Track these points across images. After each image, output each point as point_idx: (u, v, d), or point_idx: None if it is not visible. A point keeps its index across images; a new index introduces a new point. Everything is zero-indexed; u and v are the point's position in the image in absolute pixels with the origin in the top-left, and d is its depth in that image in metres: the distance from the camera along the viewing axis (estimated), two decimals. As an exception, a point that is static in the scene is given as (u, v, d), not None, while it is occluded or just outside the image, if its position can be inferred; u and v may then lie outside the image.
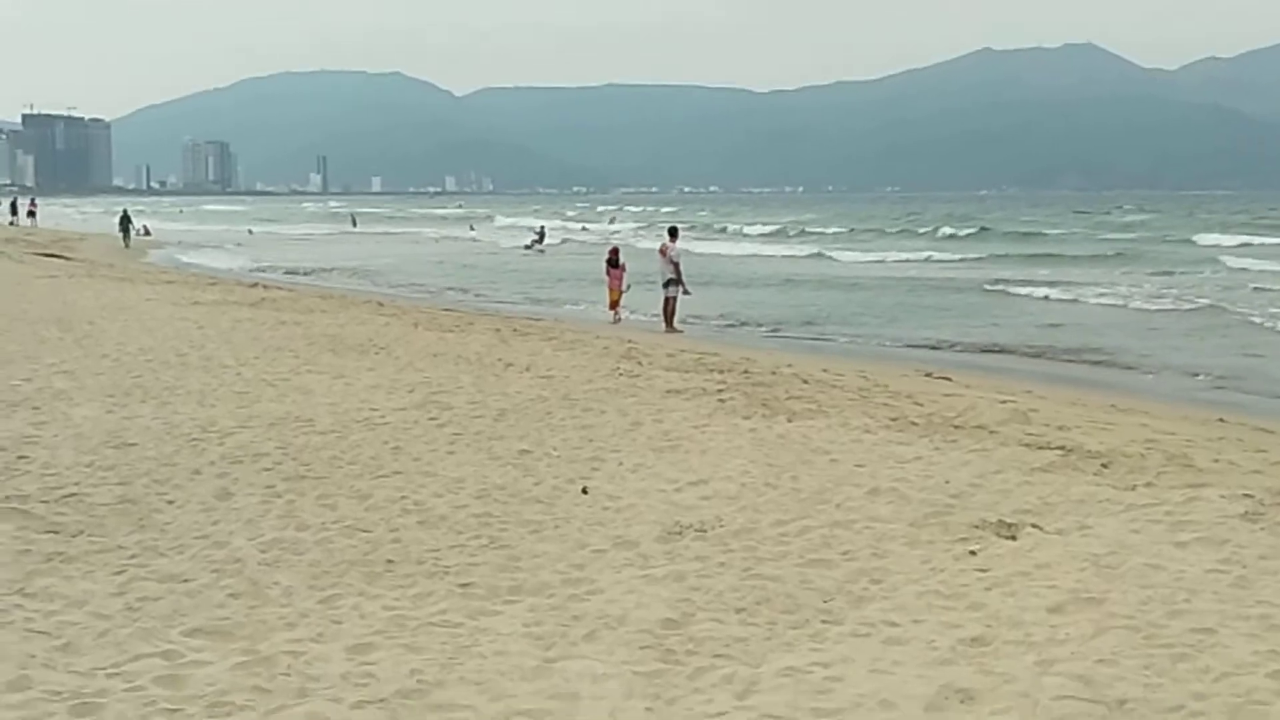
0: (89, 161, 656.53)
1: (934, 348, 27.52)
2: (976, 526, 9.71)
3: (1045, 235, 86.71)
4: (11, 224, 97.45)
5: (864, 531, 9.59)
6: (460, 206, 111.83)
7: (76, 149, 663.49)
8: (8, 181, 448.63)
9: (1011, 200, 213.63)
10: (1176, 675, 6.71)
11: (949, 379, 20.54)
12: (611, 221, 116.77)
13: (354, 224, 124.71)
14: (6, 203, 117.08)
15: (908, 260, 60.25)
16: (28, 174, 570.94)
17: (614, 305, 32.64)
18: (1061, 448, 12.94)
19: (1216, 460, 12.48)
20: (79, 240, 75.59)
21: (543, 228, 72.91)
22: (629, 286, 32.96)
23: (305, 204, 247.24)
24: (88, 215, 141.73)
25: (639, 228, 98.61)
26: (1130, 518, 10.00)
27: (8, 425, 13.20)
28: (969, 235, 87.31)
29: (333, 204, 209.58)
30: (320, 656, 6.98)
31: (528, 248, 63.54)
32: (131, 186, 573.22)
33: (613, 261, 33.47)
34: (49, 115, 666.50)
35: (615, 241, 46.45)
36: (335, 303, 31.92)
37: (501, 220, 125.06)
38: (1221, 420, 16.86)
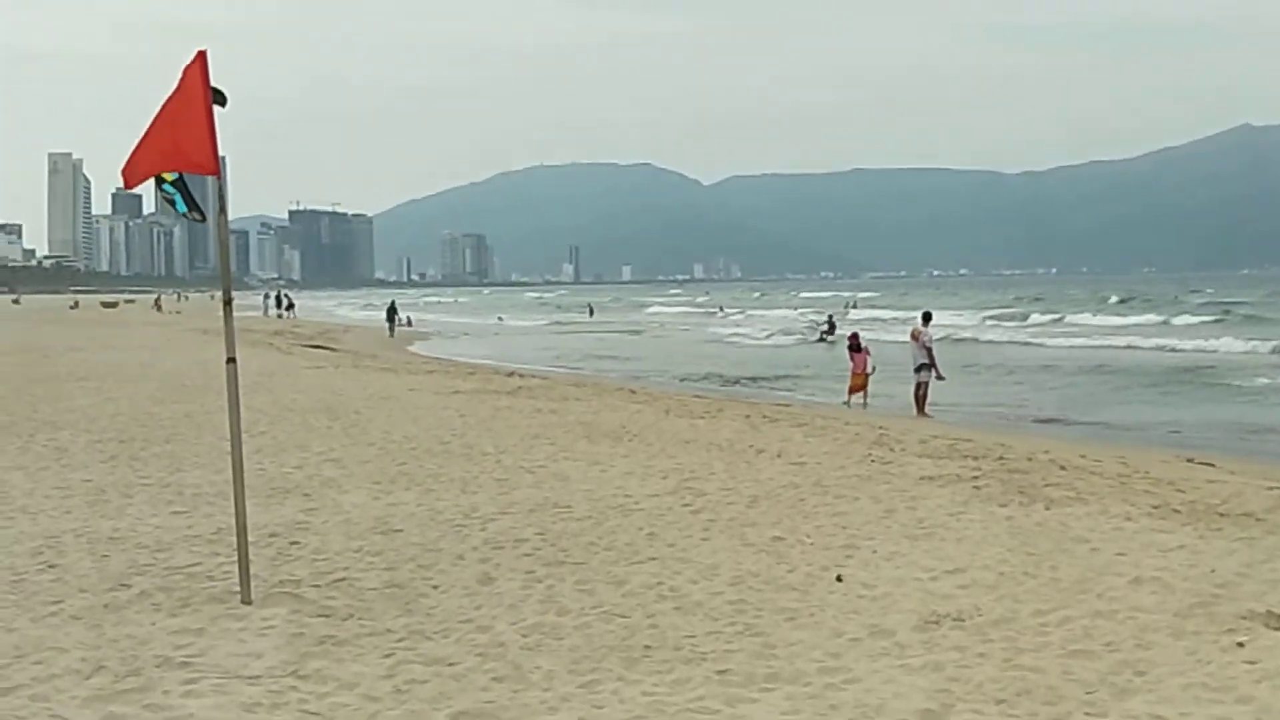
0: (352, 255, 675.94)
1: (1176, 431, 26.86)
2: (1244, 617, 9.41)
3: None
4: (279, 316, 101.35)
5: (1127, 622, 9.36)
6: (707, 294, 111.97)
7: (340, 243, 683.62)
8: (275, 275, 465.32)
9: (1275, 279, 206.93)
10: None
11: (1212, 465, 19.98)
12: (853, 306, 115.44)
13: (590, 313, 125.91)
14: (272, 296, 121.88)
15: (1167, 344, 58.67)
16: (294, 268, 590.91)
17: (857, 389, 32.46)
18: (1335, 535, 12.51)
19: None
20: (343, 331, 77.93)
21: (831, 317, 69.29)
22: (874, 369, 32.69)
23: (550, 293, 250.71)
24: (350, 304, 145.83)
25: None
26: None
27: (281, 512, 13.64)
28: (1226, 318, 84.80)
29: (561, 291, 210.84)
30: (581, 741, 7.07)
31: (819, 340, 61.52)
32: (393, 279, 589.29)
33: (854, 346, 33.42)
34: (314, 211, 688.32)
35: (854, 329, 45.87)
36: (588, 390, 32.35)
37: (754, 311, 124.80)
38: None
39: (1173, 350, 54.15)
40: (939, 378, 30.35)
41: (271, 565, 11.07)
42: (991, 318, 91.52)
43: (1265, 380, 37.90)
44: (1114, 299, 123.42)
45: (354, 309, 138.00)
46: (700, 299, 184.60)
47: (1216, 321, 78.96)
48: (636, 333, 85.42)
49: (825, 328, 63.45)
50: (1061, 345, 60.23)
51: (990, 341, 63.38)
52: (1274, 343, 53.11)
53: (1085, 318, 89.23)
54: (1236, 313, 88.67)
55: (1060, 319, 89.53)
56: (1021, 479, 16.32)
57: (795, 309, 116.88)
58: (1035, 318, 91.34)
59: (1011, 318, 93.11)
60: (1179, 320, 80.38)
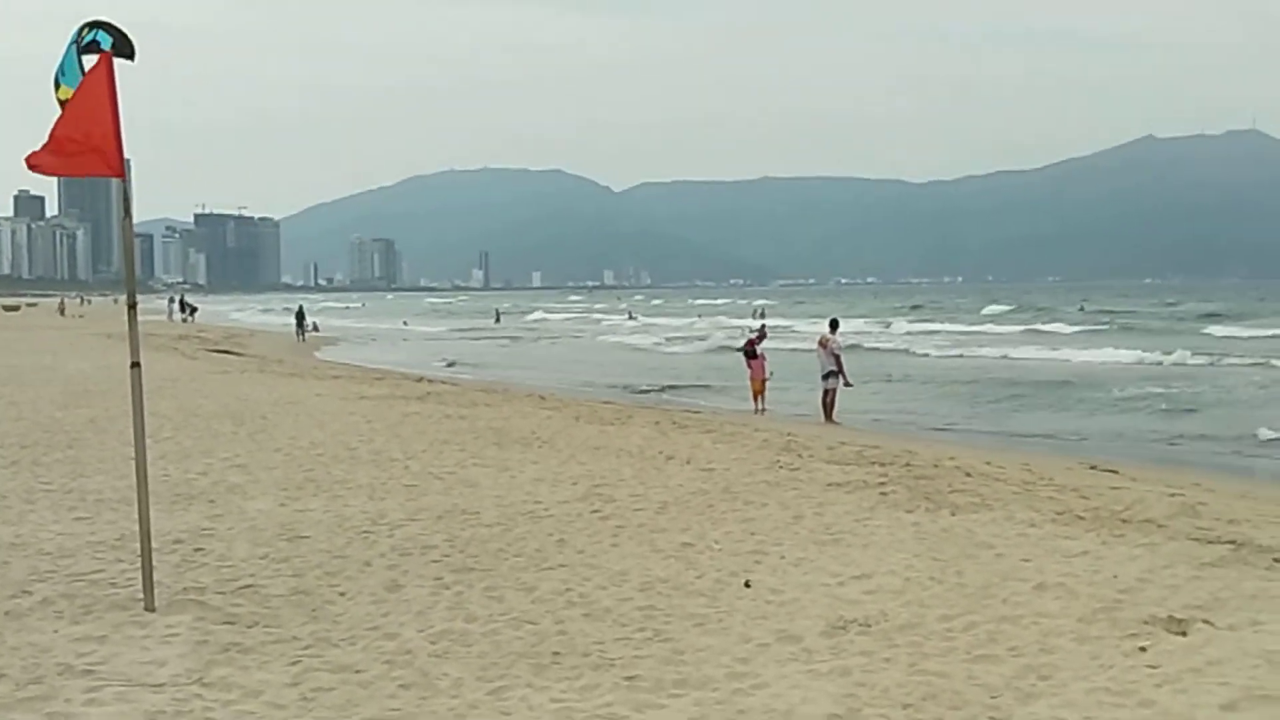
0: (259, 259, 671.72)
1: (1081, 438, 27.23)
2: (1146, 622, 9.54)
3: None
4: (183, 320, 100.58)
5: (1031, 627, 9.47)
6: (623, 304, 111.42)
7: (246, 247, 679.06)
8: (180, 279, 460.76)
9: (1175, 289, 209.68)
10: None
11: (1115, 471, 20.23)
12: (758, 315, 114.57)
13: (497, 319, 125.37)
14: (176, 301, 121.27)
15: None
16: (200, 272, 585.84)
17: (757, 392, 32.78)
18: (1232, 542, 12.67)
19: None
20: (249, 336, 77.31)
21: (763, 323, 63.27)
22: (771, 374, 33.22)
23: (458, 298, 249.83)
24: (256, 309, 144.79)
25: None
26: (1305, 614, 9.78)
27: (185, 518, 13.50)
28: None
29: (462, 298, 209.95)
30: (489, 748, 7.06)
31: (744, 348, 57.59)
32: (300, 284, 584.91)
33: (750, 353, 33.87)
34: (220, 215, 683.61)
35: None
36: (498, 397, 32.20)
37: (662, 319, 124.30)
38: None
39: (1064, 361, 54.64)
40: (846, 384, 30.51)
41: (176, 572, 10.97)
42: (880, 325, 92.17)
43: (1158, 389, 38.35)
44: (1003, 308, 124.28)
45: (260, 314, 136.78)
46: (601, 305, 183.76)
47: (1098, 332, 79.98)
48: (553, 339, 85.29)
49: (756, 334, 59.89)
50: (958, 353, 60.65)
51: (890, 350, 63.52)
52: (1150, 354, 53.99)
53: (988, 326, 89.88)
54: (1117, 323, 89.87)
55: (954, 329, 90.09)
56: (927, 485, 16.45)
57: (698, 315, 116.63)
58: (928, 325, 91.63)
59: (891, 324, 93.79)
60: (1071, 329, 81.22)
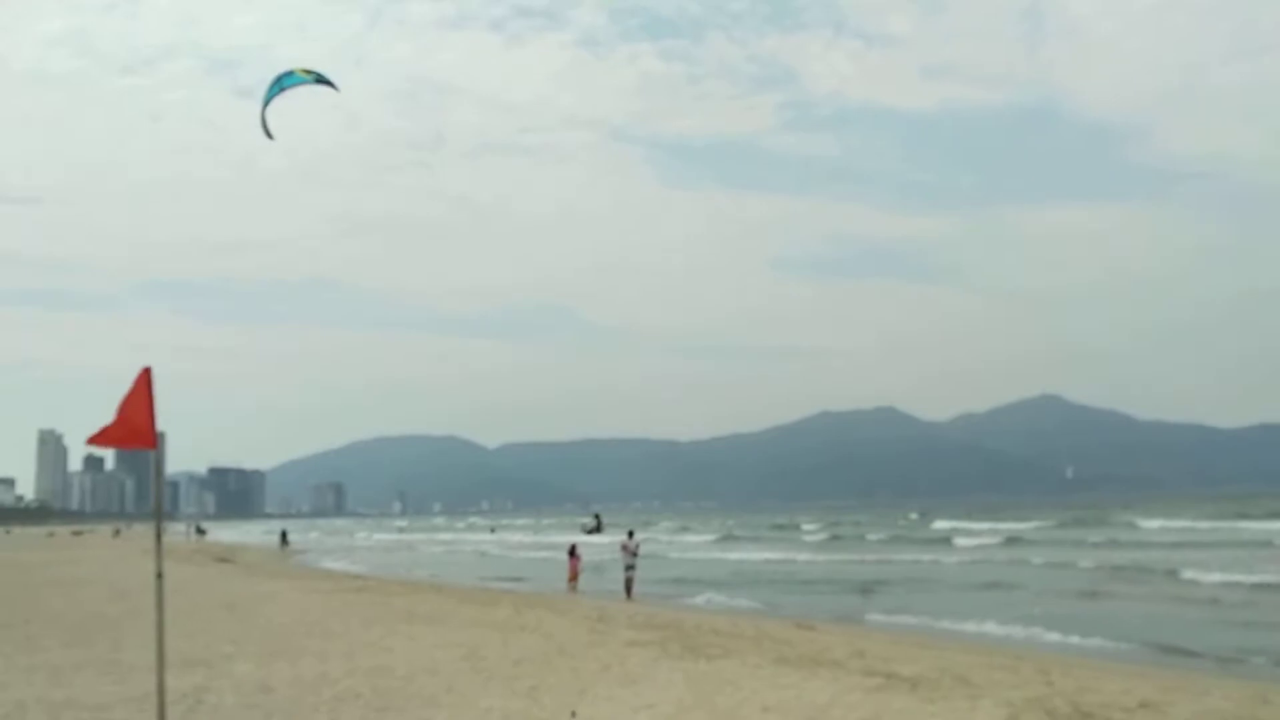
0: (250, 497, 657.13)
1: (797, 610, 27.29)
2: (833, 731, 9.48)
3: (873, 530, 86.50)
4: (196, 539, 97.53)
5: (759, 737, 9.34)
6: (493, 531, 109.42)
7: (243, 489, 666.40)
8: (196, 510, 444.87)
9: (846, 509, 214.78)
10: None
11: (813, 628, 20.27)
12: (588, 531, 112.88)
13: (399, 531, 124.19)
14: (194, 525, 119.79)
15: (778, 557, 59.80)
16: (210, 506, 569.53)
17: (572, 579, 33.37)
18: (885, 674, 12.74)
19: (988, 680, 12.32)
20: (243, 550, 74.63)
21: (597, 515, 62.38)
22: (583, 570, 33.92)
23: (385, 521, 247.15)
24: (250, 532, 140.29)
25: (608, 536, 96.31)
26: (933, 722, 9.81)
27: (190, 679, 12.78)
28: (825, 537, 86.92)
29: (398, 523, 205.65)
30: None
31: (589, 531, 56.52)
32: (279, 513, 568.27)
33: (571, 552, 34.69)
34: (224, 469, 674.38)
35: (578, 541, 45.28)
36: (409, 588, 31.44)
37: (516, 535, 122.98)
38: (990, 652, 16.68)
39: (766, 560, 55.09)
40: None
41: (183, 717, 10.32)
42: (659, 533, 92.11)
43: (838, 575, 38.83)
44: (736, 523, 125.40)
45: (258, 534, 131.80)
46: (475, 524, 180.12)
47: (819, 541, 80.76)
48: (445, 547, 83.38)
49: (594, 524, 58.88)
50: (716, 555, 60.77)
51: (663, 549, 63.33)
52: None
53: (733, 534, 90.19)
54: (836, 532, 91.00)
55: (708, 537, 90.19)
56: (691, 641, 16.34)
57: (536, 534, 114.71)
58: (691, 536, 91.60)
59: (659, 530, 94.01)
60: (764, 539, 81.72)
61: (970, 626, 21.47)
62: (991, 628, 21.07)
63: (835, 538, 74.00)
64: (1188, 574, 31.50)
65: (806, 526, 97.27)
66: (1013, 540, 58.95)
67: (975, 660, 14.65)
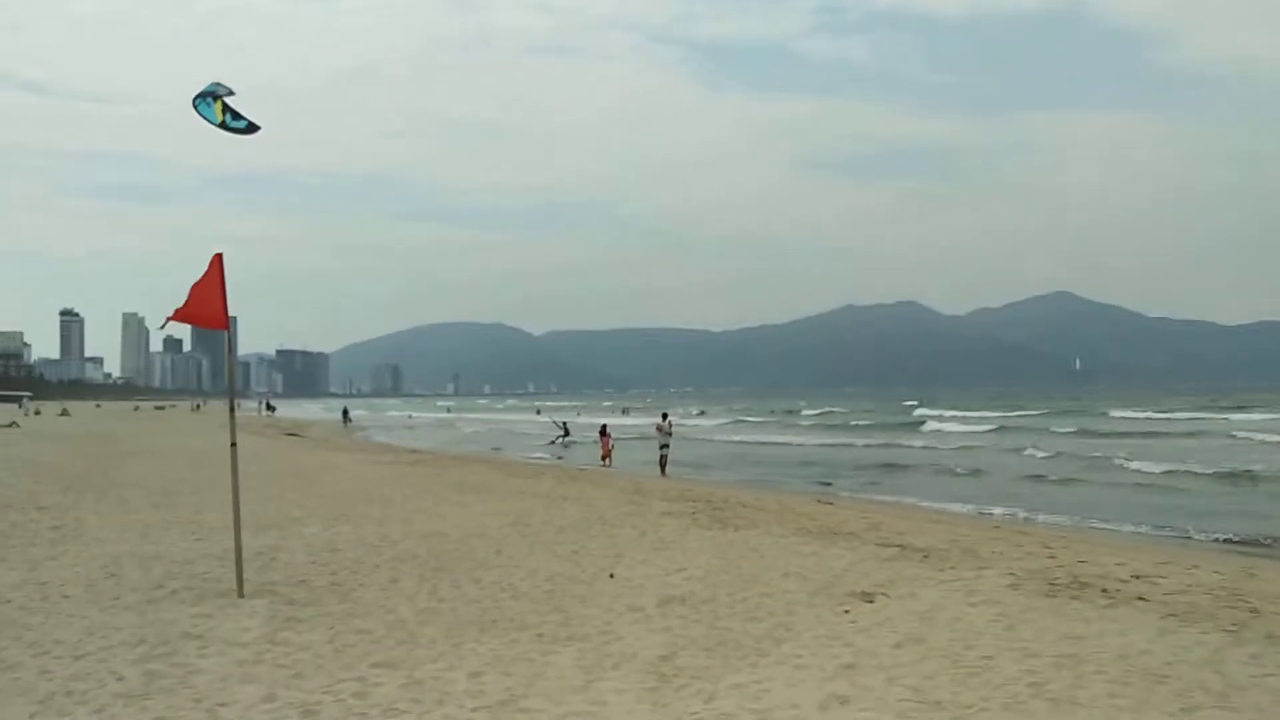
0: (316, 377, 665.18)
1: (825, 484, 27.53)
2: (849, 595, 9.64)
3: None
4: (266, 415, 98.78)
5: (781, 599, 9.51)
6: (538, 412, 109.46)
7: (308, 370, 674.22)
8: (266, 389, 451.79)
9: (860, 396, 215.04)
10: (971, 685, 6.65)
11: (831, 503, 20.49)
12: (625, 412, 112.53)
13: (448, 411, 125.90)
14: (264, 402, 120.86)
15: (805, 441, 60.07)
16: (278, 386, 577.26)
17: (605, 456, 33.67)
18: (900, 546, 12.88)
19: (993, 552, 12.43)
20: (309, 425, 75.78)
21: (565, 423, 55.37)
22: (613, 446, 34.32)
23: (440, 400, 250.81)
24: (314, 409, 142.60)
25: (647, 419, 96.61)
26: (941, 589, 9.94)
27: (263, 539, 13.16)
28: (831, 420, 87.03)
29: (445, 404, 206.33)
30: (451, 679, 6.93)
31: (552, 442, 49.34)
32: (341, 393, 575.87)
33: (602, 431, 35.57)
34: (291, 351, 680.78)
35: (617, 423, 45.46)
36: (460, 462, 31.96)
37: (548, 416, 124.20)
38: (997, 527, 16.81)
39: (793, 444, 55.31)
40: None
41: (257, 573, 10.66)
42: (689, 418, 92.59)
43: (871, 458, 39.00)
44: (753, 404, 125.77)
45: (319, 411, 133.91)
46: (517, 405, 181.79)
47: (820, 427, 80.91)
48: (488, 426, 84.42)
49: (562, 432, 51.85)
50: (740, 438, 61.14)
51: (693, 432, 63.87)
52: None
53: (742, 417, 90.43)
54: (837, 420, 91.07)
55: (723, 421, 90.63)
56: (720, 513, 16.55)
57: (576, 413, 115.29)
58: (717, 420, 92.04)
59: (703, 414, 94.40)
60: (807, 423, 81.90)
61: (956, 507, 21.44)
62: (968, 509, 20.99)
63: (828, 425, 72.77)
64: (1133, 464, 31.32)
65: (806, 412, 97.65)
66: (1003, 429, 58.41)
67: (982, 535, 14.76)
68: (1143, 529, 17.95)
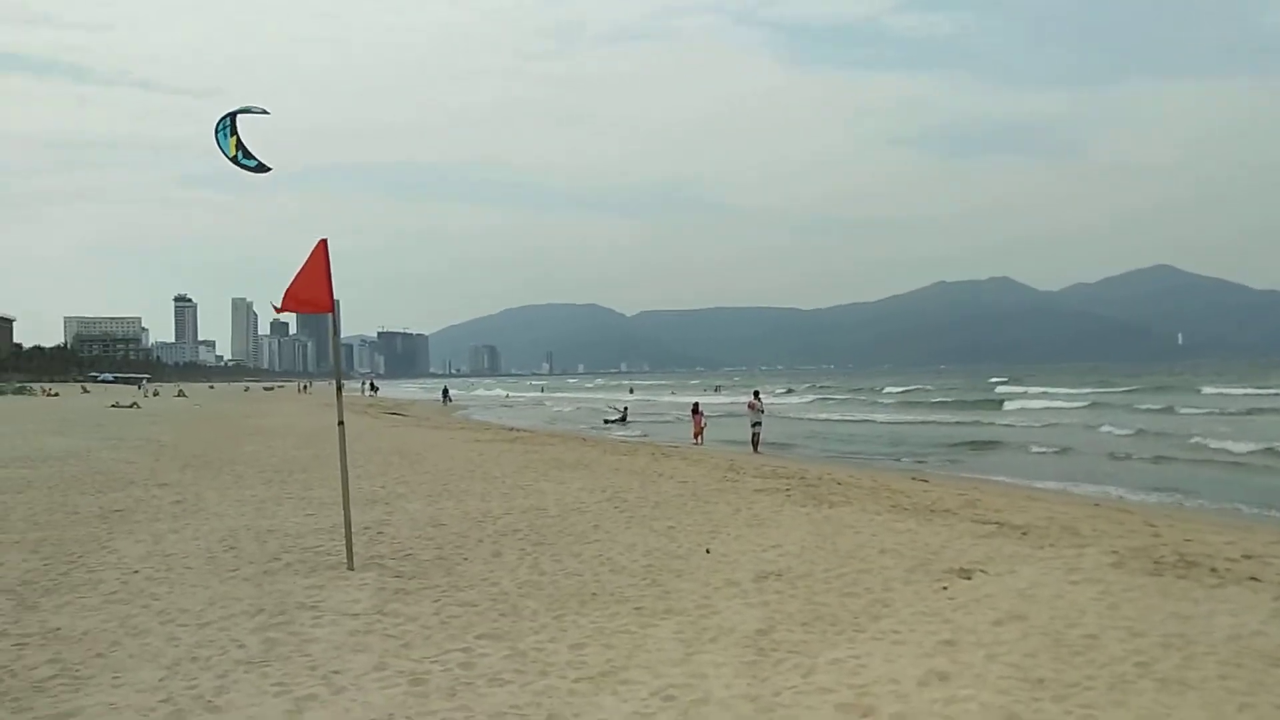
0: (416, 358, 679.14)
1: (920, 461, 27.13)
2: (947, 572, 9.49)
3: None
4: (370, 395, 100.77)
5: (878, 575, 9.41)
6: (631, 391, 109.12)
7: (409, 351, 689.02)
8: (368, 370, 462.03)
9: (952, 373, 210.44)
10: (1074, 664, 6.50)
11: (926, 480, 20.17)
12: (717, 390, 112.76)
13: (541, 390, 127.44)
14: (367, 383, 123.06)
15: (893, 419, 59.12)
16: (380, 366, 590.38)
17: (697, 434, 33.63)
18: (997, 523, 12.62)
19: (1094, 530, 12.10)
20: (411, 404, 77.28)
21: (625, 407, 53.99)
22: (706, 424, 34.38)
23: (534, 381, 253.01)
24: (415, 389, 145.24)
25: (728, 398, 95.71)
26: (1041, 566, 9.72)
27: (371, 514, 13.48)
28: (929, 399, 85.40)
29: (538, 383, 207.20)
30: (553, 651, 7.01)
31: (608, 422, 48.22)
32: (440, 373, 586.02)
33: (695, 410, 35.87)
34: (392, 332, 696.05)
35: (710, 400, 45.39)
36: (558, 439, 32.23)
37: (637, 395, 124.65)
38: (1096, 505, 16.36)
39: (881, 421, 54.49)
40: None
41: (366, 546, 10.93)
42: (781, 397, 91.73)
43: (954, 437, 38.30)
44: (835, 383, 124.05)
45: (419, 391, 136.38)
46: (608, 384, 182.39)
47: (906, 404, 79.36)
48: (577, 404, 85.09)
49: (619, 416, 50.07)
50: (828, 416, 60.52)
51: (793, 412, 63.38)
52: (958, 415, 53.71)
53: (825, 395, 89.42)
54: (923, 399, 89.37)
55: (814, 397, 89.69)
56: (814, 490, 16.41)
57: (671, 391, 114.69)
58: (809, 397, 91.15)
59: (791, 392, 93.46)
60: (891, 401, 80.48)
61: (1047, 484, 20.87)
62: (1059, 486, 20.41)
63: (910, 403, 70.74)
64: (1219, 444, 29.49)
65: (889, 390, 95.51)
66: (1095, 405, 56.32)
67: (1081, 512, 14.38)
68: (1243, 509, 17.25)
